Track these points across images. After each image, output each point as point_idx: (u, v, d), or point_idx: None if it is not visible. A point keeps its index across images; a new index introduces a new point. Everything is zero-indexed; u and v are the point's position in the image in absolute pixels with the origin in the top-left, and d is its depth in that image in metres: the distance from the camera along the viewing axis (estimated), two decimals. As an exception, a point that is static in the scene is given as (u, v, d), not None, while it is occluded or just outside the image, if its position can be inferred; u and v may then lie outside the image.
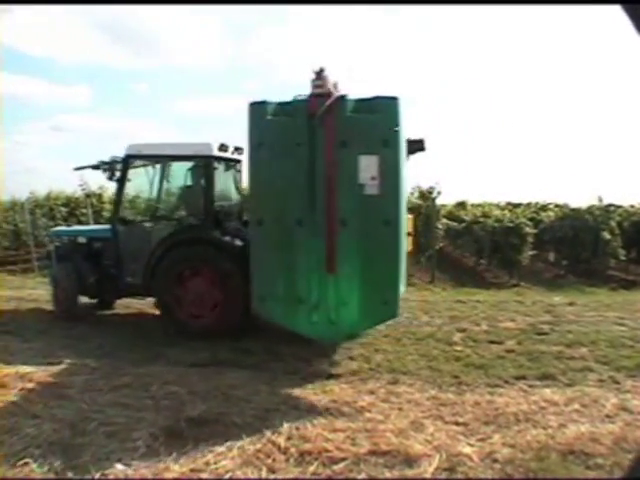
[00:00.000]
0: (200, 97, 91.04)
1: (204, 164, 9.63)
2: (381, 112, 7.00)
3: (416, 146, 9.08)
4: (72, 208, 21.95)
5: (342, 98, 6.99)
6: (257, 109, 7.23)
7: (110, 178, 10.23)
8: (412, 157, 9.10)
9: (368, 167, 6.88)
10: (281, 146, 7.16)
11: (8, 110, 67.93)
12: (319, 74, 6.81)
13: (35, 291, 13.89)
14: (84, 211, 20.89)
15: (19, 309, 11.59)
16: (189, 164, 10.15)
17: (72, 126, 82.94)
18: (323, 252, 6.91)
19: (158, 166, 10.53)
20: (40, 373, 7.14)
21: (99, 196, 21.52)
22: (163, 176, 10.54)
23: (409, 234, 8.90)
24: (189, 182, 10.25)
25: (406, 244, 8.41)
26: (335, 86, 7.53)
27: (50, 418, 5.67)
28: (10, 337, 9.19)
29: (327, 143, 6.87)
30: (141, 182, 10.92)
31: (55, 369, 7.37)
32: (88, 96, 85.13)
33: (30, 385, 6.67)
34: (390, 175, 6.95)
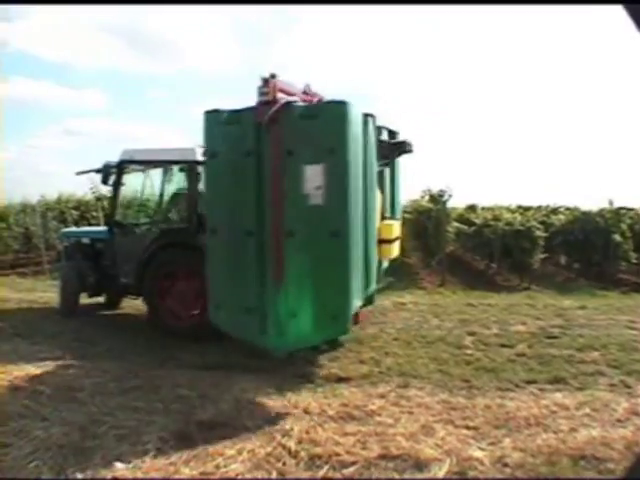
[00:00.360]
0: (217, 102, 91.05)
1: (188, 169, 9.82)
2: (327, 118, 6.77)
3: (401, 148, 9.21)
4: (83, 211, 22.04)
5: (288, 105, 6.78)
6: (210, 118, 7.17)
7: (104, 183, 10.59)
8: (401, 160, 9.64)
9: (313, 176, 6.65)
10: (232, 156, 7.03)
11: (22, 114, 68.43)
12: (266, 81, 6.60)
13: (45, 294, 13.91)
14: (95, 214, 21.02)
15: (30, 312, 11.65)
16: (176, 169, 10.48)
17: (85, 130, 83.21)
18: (272, 263, 6.72)
19: (150, 171, 11.13)
20: (50, 376, 7.18)
21: (110, 199, 21.58)
22: (152, 181, 11.21)
23: (397, 239, 8.91)
24: (176, 186, 10.66)
25: (395, 250, 8.66)
26: (307, 90, 7.71)
27: (60, 421, 5.69)
28: (20, 340, 9.25)
29: (273, 152, 6.69)
30: (135, 186, 11.92)
31: (65, 372, 7.41)
32: (102, 100, 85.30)
33: (40, 388, 6.67)
34: (337, 184, 6.66)
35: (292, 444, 5.06)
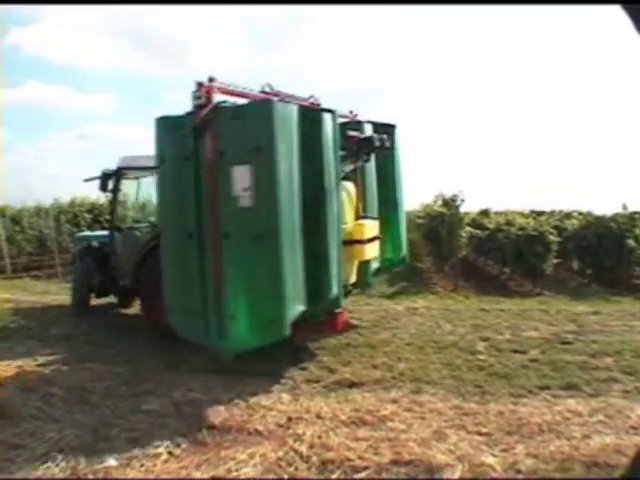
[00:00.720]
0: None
1: None
2: (253, 118, 6.78)
3: (369, 145, 9.20)
4: (96, 215, 22.16)
5: (217, 106, 6.80)
6: (160, 124, 7.24)
7: (103, 190, 11.06)
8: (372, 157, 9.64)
9: (241, 178, 6.67)
10: (176, 160, 7.11)
11: (36, 118, 68.82)
12: (200, 85, 6.69)
13: (58, 296, 14.07)
14: (108, 217, 21.09)
15: (43, 314, 11.74)
16: None
17: (97, 134, 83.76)
18: (211, 265, 6.76)
19: (148, 176, 11.31)
20: (62, 378, 7.25)
21: (122, 203, 21.69)
22: (149, 185, 11.52)
23: (376, 238, 9.14)
24: None
25: (370, 251, 8.80)
26: (267, 90, 7.82)
27: (72, 423, 5.77)
28: (34, 341, 9.36)
29: (206, 154, 6.74)
30: (134, 191, 12.74)
31: (77, 374, 7.48)
32: (113, 104, 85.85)
33: (53, 390, 6.76)
34: (265, 185, 6.63)
35: (304, 449, 5.08)
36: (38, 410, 6.12)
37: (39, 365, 7.92)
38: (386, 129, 10.20)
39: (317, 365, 7.77)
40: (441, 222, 18.10)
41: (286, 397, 6.52)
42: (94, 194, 21.45)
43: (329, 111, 7.83)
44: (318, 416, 5.89)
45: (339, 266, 7.75)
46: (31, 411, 6.07)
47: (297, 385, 7.01)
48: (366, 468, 4.71)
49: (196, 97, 6.78)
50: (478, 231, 18.64)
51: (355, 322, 10.57)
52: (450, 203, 17.17)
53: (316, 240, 7.31)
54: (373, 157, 9.79)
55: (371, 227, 9.05)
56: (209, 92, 6.75)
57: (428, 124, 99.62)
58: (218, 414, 5.92)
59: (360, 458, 4.86)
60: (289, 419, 5.83)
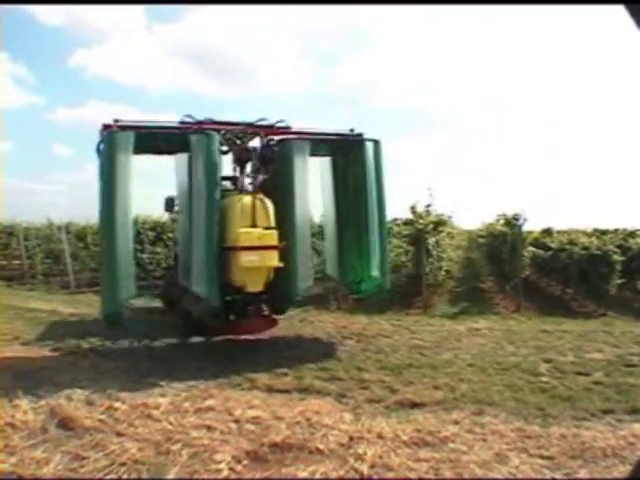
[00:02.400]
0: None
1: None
2: (104, 146, 9.21)
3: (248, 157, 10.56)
4: (159, 232, 22.41)
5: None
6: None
7: (168, 211, 13.10)
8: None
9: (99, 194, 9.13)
10: None
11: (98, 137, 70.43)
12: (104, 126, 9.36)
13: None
14: (170, 235, 21.45)
15: (107, 329, 11.98)
16: None
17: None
18: None
19: None
20: (126, 392, 7.38)
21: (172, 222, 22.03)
22: None
23: (267, 247, 9.52)
24: None
25: (251, 258, 9.39)
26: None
27: (135, 437, 5.86)
28: (96, 356, 9.67)
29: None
30: None
31: (141, 389, 7.63)
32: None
33: (116, 404, 6.91)
34: (102, 200, 9.07)
35: (365, 468, 5.07)
36: (101, 423, 6.26)
37: (103, 379, 8.10)
38: (349, 144, 11.20)
39: (379, 385, 7.77)
40: (503, 241, 18.01)
41: (348, 416, 6.53)
42: (157, 212, 21.84)
43: (206, 134, 9.63)
44: (379, 436, 5.88)
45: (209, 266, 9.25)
46: (94, 424, 6.20)
47: (359, 404, 7.02)
48: (427, 489, 4.73)
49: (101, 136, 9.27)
50: (540, 251, 18.46)
51: (417, 342, 10.58)
52: (512, 222, 17.07)
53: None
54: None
55: (256, 236, 9.46)
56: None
57: (492, 142, 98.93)
58: (280, 432, 5.97)
59: (421, 479, 4.88)
60: (350, 438, 5.83)
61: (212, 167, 9.47)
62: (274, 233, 9.63)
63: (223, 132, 10.15)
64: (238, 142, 10.44)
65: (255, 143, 10.68)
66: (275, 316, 10.83)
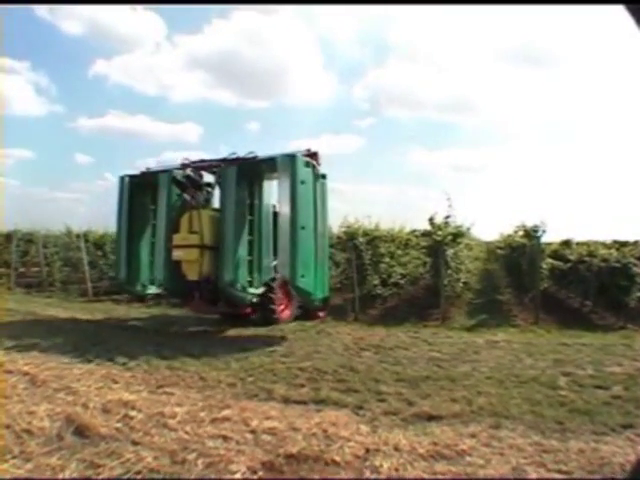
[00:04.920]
0: (315, 136, 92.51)
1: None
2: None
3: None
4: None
5: None
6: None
7: None
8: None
9: None
10: None
11: (120, 146, 70.94)
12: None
13: (139, 321, 14.88)
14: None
15: (122, 337, 12.15)
16: None
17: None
18: None
19: None
20: (142, 401, 7.43)
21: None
22: None
23: (184, 246, 13.69)
24: None
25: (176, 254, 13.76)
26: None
27: (150, 446, 5.87)
28: (112, 364, 9.72)
29: None
30: None
31: (157, 398, 7.65)
32: (197, 133, 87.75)
33: (132, 412, 6.96)
34: None
35: (381, 481, 5.03)
36: (117, 431, 6.29)
37: (119, 387, 8.13)
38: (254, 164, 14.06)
39: (396, 397, 7.73)
40: (522, 253, 17.91)
41: (364, 428, 6.49)
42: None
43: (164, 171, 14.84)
44: (396, 448, 5.84)
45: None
46: (110, 432, 6.23)
47: (376, 417, 6.98)
48: (444, 503, 4.69)
49: None
50: (559, 262, 18.34)
51: (435, 355, 10.54)
52: (531, 234, 16.95)
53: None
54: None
55: (179, 238, 13.72)
56: None
57: (509, 153, 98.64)
58: (296, 443, 5.95)
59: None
60: (367, 451, 5.79)
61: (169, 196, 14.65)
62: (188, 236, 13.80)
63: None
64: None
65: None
66: None
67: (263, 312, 14.15)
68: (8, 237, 26.25)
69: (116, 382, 8.45)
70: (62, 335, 12.54)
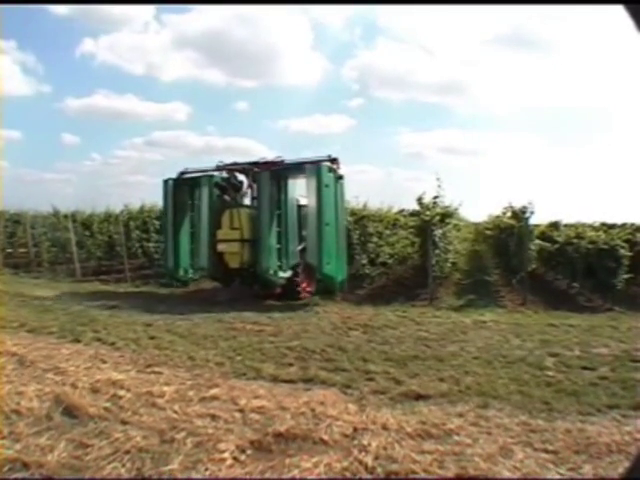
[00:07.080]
0: (304, 116, 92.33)
1: None
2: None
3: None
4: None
5: None
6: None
7: None
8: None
9: None
10: None
11: (107, 126, 70.59)
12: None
13: (127, 301, 14.77)
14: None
15: (110, 318, 12.11)
16: None
17: (168, 142, 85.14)
18: None
19: None
20: (130, 381, 7.41)
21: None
22: None
23: (228, 240, 16.32)
24: None
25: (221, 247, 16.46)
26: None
27: (139, 425, 5.89)
28: (101, 344, 9.73)
29: None
30: None
31: (145, 378, 7.66)
32: (185, 113, 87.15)
33: (121, 392, 6.96)
34: None
35: (369, 460, 5.05)
36: (106, 411, 6.29)
37: (108, 367, 8.12)
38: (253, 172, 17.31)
39: (384, 376, 7.76)
40: (510, 234, 17.91)
41: (352, 407, 6.51)
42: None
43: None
44: (384, 427, 5.87)
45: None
46: (99, 412, 6.22)
47: (364, 396, 7.02)
48: (431, 482, 4.71)
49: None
50: (547, 244, 18.37)
51: (423, 334, 10.58)
52: (520, 215, 16.97)
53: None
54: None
55: (222, 234, 16.42)
56: None
57: (498, 134, 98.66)
58: (284, 422, 5.96)
59: (425, 471, 4.85)
60: (355, 429, 5.82)
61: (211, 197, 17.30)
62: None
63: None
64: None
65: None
66: None
67: (290, 291, 16.02)
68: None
69: (104, 362, 8.44)
70: (50, 315, 12.54)
